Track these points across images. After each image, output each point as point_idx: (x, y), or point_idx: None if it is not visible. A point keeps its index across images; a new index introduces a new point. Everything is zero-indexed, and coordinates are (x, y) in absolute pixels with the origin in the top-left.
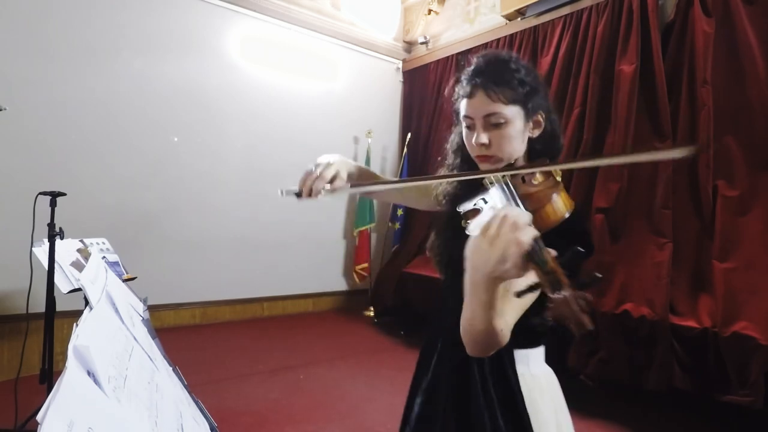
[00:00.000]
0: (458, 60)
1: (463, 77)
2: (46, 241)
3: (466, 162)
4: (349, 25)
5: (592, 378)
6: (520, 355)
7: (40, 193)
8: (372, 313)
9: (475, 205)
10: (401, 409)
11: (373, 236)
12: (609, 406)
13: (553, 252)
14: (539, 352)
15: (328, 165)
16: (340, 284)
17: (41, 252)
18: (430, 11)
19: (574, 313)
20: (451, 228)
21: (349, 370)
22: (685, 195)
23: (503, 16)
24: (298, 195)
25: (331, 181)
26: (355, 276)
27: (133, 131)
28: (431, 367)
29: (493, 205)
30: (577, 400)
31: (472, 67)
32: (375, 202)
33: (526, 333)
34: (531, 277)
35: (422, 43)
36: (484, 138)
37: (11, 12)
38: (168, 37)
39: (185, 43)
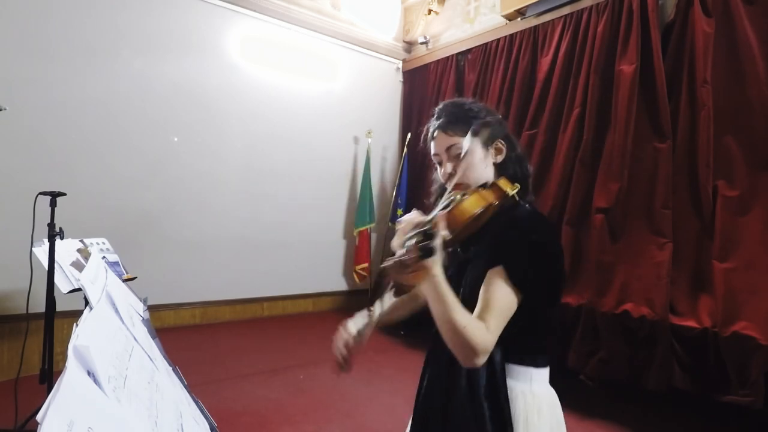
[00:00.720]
0: (458, 60)
1: (428, 126)
2: (46, 241)
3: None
4: (349, 25)
5: (592, 378)
6: (522, 372)
7: (40, 193)
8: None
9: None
10: (401, 409)
11: (373, 236)
12: (609, 406)
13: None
14: (543, 373)
15: (336, 337)
16: (340, 284)
17: (41, 252)
18: (430, 11)
19: (392, 274)
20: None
21: None
22: (685, 195)
23: (503, 16)
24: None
25: (346, 346)
26: (355, 276)
27: (133, 131)
28: (423, 385)
29: None
30: (577, 400)
31: (434, 116)
32: (375, 202)
33: (527, 347)
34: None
35: (422, 43)
36: (449, 167)
37: (11, 12)
38: (168, 37)
39: (185, 43)
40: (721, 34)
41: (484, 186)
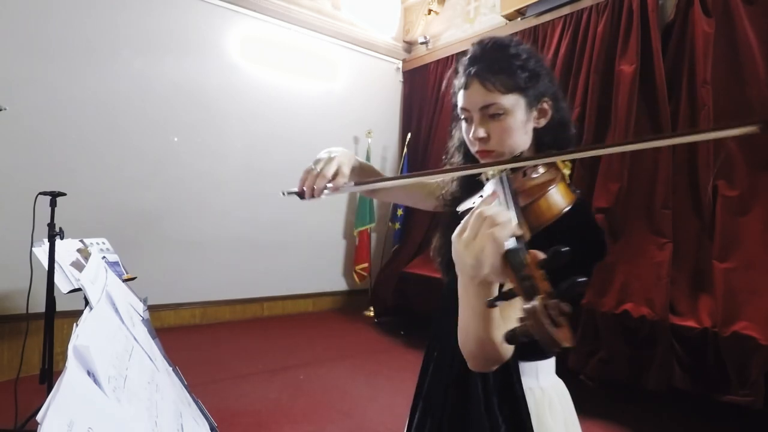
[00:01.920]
0: (458, 60)
1: (460, 67)
2: (46, 241)
3: (469, 159)
4: (349, 25)
5: (592, 378)
6: (528, 367)
7: (40, 193)
8: (372, 313)
9: (473, 204)
10: (401, 409)
11: (373, 236)
12: (609, 406)
13: (540, 254)
14: (549, 363)
15: (329, 161)
16: (340, 284)
17: (41, 252)
18: (430, 11)
19: (544, 327)
20: (452, 230)
21: (349, 370)
22: (685, 195)
23: (503, 16)
24: (300, 195)
25: (333, 178)
26: (355, 276)
27: (133, 131)
28: (429, 374)
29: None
30: (577, 400)
31: (469, 56)
32: (375, 202)
33: (534, 344)
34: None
35: (422, 43)
36: (481, 132)
37: (11, 12)
38: (168, 37)
39: (185, 43)
40: (721, 34)
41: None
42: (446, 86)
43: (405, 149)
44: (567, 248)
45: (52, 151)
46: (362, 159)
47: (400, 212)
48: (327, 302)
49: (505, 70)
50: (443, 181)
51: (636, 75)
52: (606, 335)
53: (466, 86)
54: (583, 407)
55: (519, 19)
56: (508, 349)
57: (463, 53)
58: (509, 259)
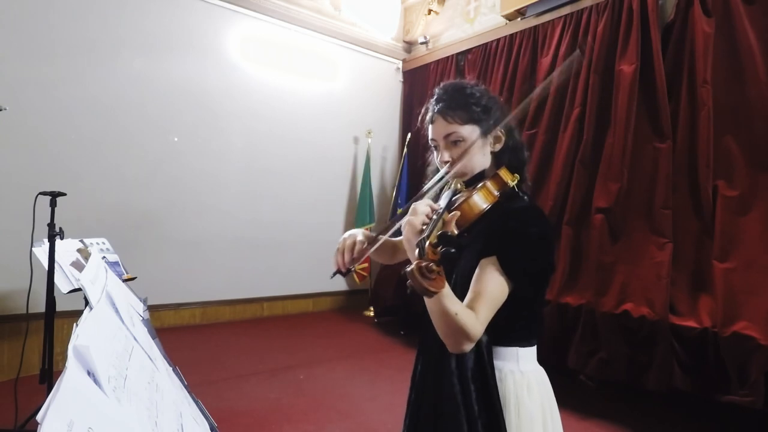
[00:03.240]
0: (458, 60)
1: (428, 106)
2: (46, 241)
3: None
4: (349, 25)
5: (592, 378)
6: (509, 352)
7: (40, 193)
8: (372, 313)
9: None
10: (401, 409)
11: None
12: (609, 406)
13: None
14: (530, 351)
15: (345, 239)
16: (340, 284)
17: (41, 252)
18: (430, 11)
19: (417, 281)
20: None
21: (349, 370)
22: (685, 195)
23: (503, 16)
24: (340, 273)
25: (353, 247)
26: (355, 276)
27: (133, 131)
28: (417, 373)
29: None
30: (577, 400)
31: (434, 97)
32: (375, 202)
33: (514, 331)
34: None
35: (422, 43)
36: (446, 156)
37: (11, 12)
38: (168, 37)
39: (185, 43)
40: (721, 34)
41: (482, 175)
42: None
43: (405, 149)
44: (444, 232)
45: (52, 151)
46: (362, 160)
47: (400, 211)
48: (327, 302)
49: (462, 106)
50: None
51: (636, 75)
52: (606, 335)
53: (432, 121)
54: (583, 407)
55: (519, 19)
56: (470, 323)
57: (463, 53)
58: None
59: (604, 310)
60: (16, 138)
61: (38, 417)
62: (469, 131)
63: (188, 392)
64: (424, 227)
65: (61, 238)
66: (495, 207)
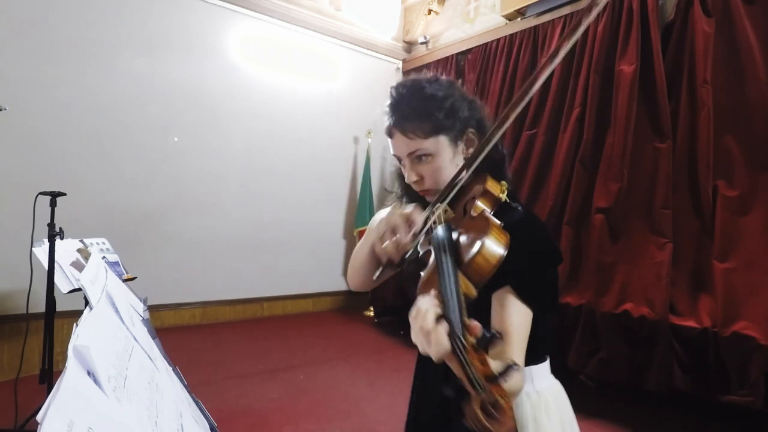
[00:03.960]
0: (458, 60)
1: (384, 113)
2: (46, 241)
3: (414, 192)
4: (349, 25)
5: (592, 378)
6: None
7: (40, 193)
8: (372, 313)
9: (423, 254)
10: (401, 409)
11: None
12: (609, 406)
13: (476, 330)
14: (544, 366)
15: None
16: (340, 284)
17: (41, 252)
18: (430, 11)
19: (482, 423)
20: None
21: (349, 370)
22: (685, 195)
23: (503, 16)
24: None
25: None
26: None
27: (133, 131)
28: (420, 378)
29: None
30: (577, 400)
31: (389, 102)
32: (375, 202)
33: (528, 351)
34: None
35: (422, 43)
36: (413, 176)
37: (11, 12)
38: (168, 37)
39: (186, 43)
40: (721, 34)
41: (466, 189)
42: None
43: None
44: (494, 333)
45: (52, 151)
46: (362, 160)
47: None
48: (327, 302)
49: (423, 115)
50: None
51: (636, 75)
52: (606, 335)
53: (390, 135)
54: (583, 407)
55: (519, 19)
56: (520, 381)
57: (463, 53)
58: (454, 352)
59: (604, 310)
60: (16, 138)
61: (38, 417)
62: (435, 144)
63: (188, 392)
64: (446, 328)
65: (61, 238)
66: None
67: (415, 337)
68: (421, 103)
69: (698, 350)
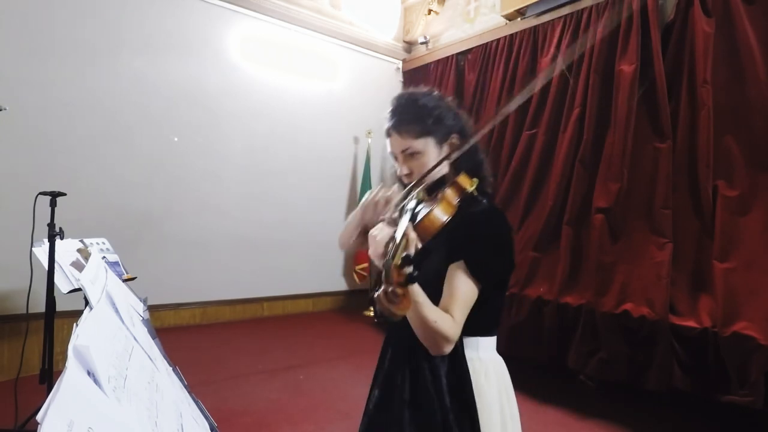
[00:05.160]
0: (458, 60)
1: (385, 118)
2: (46, 241)
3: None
4: (349, 25)
5: (592, 378)
6: (471, 341)
7: (40, 193)
8: (372, 313)
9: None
10: None
11: None
12: (609, 406)
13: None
14: (490, 340)
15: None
16: (340, 284)
17: (41, 252)
18: (430, 11)
19: (384, 306)
20: None
21: (349, 370)
22: (685, 195)
23: (503, 16)
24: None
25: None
26: (355, 276)
27: (133, 131)
28: (386, 360)
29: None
30: (577, 400)
31: (390, 109)
32: None
33: (475, 322)
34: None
35: (422, 43)
36: (405, 170)
37: (11, 12)
38: (168, 37)
39: (185, 43)
40: (721, 34)
41: (443, 182)
42: (446, 88)
43: None
44: (407, 254)
45: (52, 151)
46: (362, 160)
47: None
48: (327, 302)
49: (414, 120)
50: None
51: (636, 75)
52: (606, 335)
53: (388, 135)
54: (583, 407)
55: (519, 19)
56: (447, 326)
57: (463, 53)
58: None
59: (604, 310)
60: (16, 138)
61: (38, 417)
62: (423, 144)
63: (188, 392)
64: (389, 249)
65: (61, 238)
66: (456, 214)
67: (371, 241)
68: (415, 110)
69: (698, 350)
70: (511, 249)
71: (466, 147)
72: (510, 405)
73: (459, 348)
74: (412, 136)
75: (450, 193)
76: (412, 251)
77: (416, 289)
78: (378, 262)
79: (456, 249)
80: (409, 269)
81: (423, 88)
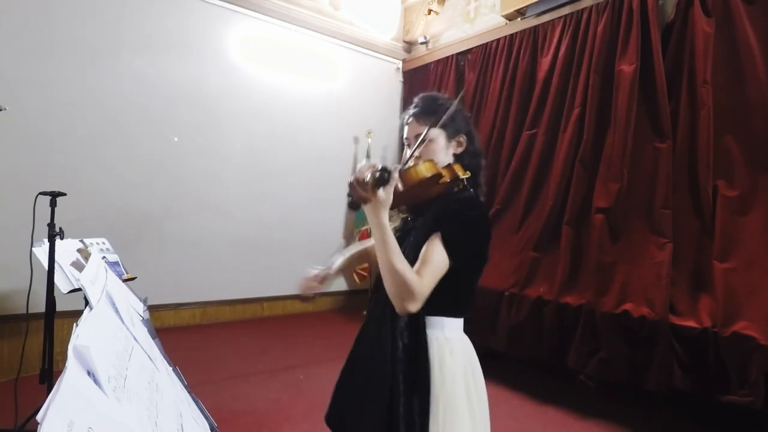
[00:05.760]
0: (458, 60)
1: (406, 113)
2: (46, 241)
3: None
4: (349, 25)
5: (592, 378)
6: (436, 321)
7: (40, 193)
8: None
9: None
10: None
11: None
12: (609, 406)
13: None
14: (456, 322)
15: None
16: (340, 284)
17: (41, 252)
18: (430, 11)
19: (357, 192)
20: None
21: None
22: (685, 195)
23: (503, 16)
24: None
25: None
26: (355, 276)
27: (133, 131)
28: (357, 336)
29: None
30: (577, 400)
31: (413, 104)
32: None
33: (441, 301)
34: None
35: (422, 43)
36: (416, 152)
37: (11, 12)
38: (168, 37)
39: (186, 43)
40: (721, 34)
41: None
42: (446, 88)
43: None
44: (381, 170)
45: (52, 151)
46: (362, 159)
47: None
48: (327, 302)
49: (432, 112)
50: None
51: (636, 75)
52: (606, 335)
53: (407, 122)
54: (583, 407)
55: (519, 19)
56: (414, 280)
57: (463, 53)
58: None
59: (604, 310)
60: (16, 138)
61: (38, 417)
62: (436, 133)
63: (188, 392)
64: (374, 169)
65: (61, 238)
66: (444, 196)
67: (357, 173)
68: (435, 106)
69: (698, 350)
70: (486, 239)
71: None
72: (476, 383)
73: (421, 326)
74: (428, 124)
75: (440, 167)
76: (392, 175)
77: (387, 232)
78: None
79: (437, 221)
80: (384, 174)
81: (444, 94)
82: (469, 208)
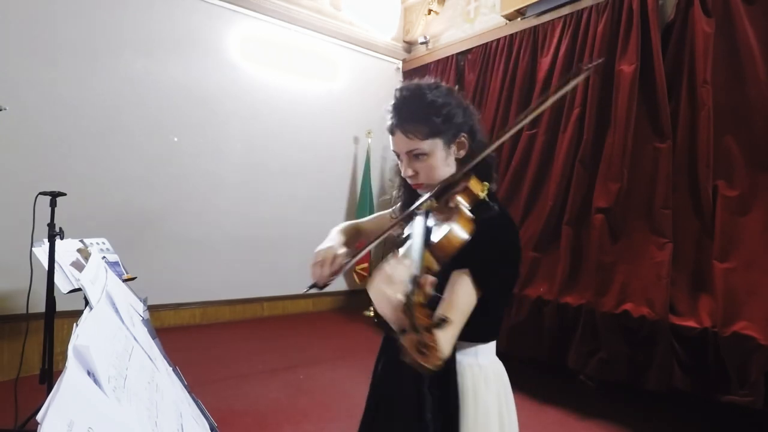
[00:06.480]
0: (458, 60)
1: (387, 111)
2: (46, 241)
3: (409, 187)
4: (349, 25)
5: (592, 378)
6: (470, 349)
7: (40, 193)
8: (372, 313)
9: (405, 237)
10: None
11: None
12: (609, 406)
13: (429, 283)
14: (489, 346)
15: (324, 251)
16: (340, 284)
17: (41, 252)
18: (430, 11)
19: (412, 358)
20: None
21: (349, 370)
22: (685, 195)
23: (503, 16)
24: (316, 286)
25: (333, 261)
26: (355, 276)
27: (133, 131)
28: (378, 371)
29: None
30: (577, 400)
31: (392, 103)
32: (376, 202)
33: (475, 330)
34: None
35: (422, 43)
36: (409, 171)
37: (12, 12)
38: (169, 37)
39: (186, 43)
40: (721, 34)
41: (451, 184)
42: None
43: None
44: (438, 295)
45: (52, 151)
46: (362, 160)
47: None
48: (327, 302)
49: (422, 119)
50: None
51: (636, 75)
52: (606, 335)
53: (392, 133)
54: (583, 407)
55: (519, 19)
56: (447, 350)
57: (463, 53)
58: (404, 309)
59: (604, 310)
60: (17, 138)
61: (38, 417)
62: (431, 145)
63: (188, 392)
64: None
65: (61, 238)
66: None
67: (376, 288)
68: (422, 107)
69: (698, 350)
70: (518, 259)
71: (480, 157)
72: (509, 410)
73: (450, 361)
74: (420, 137)
75: (462, 203)
76: (431, 290)
77: None
78: (391, 313)
79: (463, 255)
80: (441, 320)
81: (429, 80)
82: (499, 232)
